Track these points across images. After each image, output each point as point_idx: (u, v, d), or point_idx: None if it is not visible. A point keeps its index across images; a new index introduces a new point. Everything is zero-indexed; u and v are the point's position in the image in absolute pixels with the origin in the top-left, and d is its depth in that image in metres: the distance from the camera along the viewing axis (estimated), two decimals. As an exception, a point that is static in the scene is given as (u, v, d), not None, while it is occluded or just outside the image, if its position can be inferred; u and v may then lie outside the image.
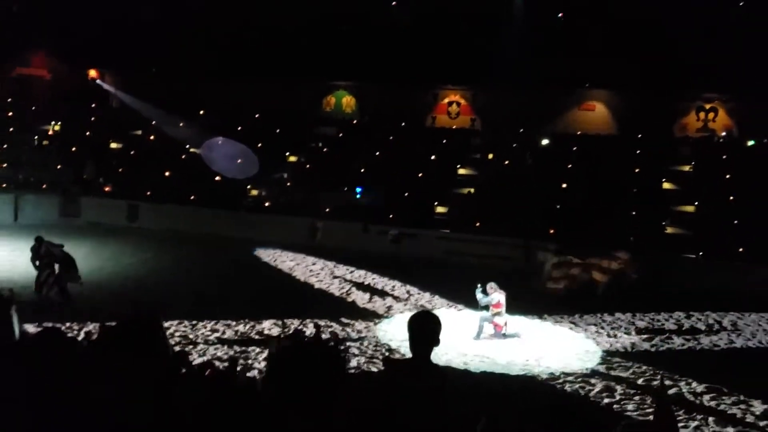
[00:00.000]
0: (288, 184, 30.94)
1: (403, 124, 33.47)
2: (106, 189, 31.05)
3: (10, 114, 34.51)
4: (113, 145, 34.30)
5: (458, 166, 30.77)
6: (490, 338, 15.89)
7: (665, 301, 19.70)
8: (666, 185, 28.10)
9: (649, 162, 28.39)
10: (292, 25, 33.45)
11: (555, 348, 15.61)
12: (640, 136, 30.02)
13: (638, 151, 29.27)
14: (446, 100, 35.10)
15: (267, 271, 22.78)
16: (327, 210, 28.30)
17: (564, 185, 28.01)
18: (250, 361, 13.24)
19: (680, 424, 11.25)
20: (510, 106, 31.98)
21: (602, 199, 26.14)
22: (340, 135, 33.91)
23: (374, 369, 13.44)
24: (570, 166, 29.30)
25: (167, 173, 31.39)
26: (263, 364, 12.87)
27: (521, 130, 31.55)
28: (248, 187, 30.48)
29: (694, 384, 13.39)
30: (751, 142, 29.57)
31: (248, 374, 11.92)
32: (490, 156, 31.05)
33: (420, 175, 29.80)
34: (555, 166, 29.34)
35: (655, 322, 18.33)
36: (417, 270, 22.66)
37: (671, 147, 29.86)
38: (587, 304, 19.22)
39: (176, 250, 24.61)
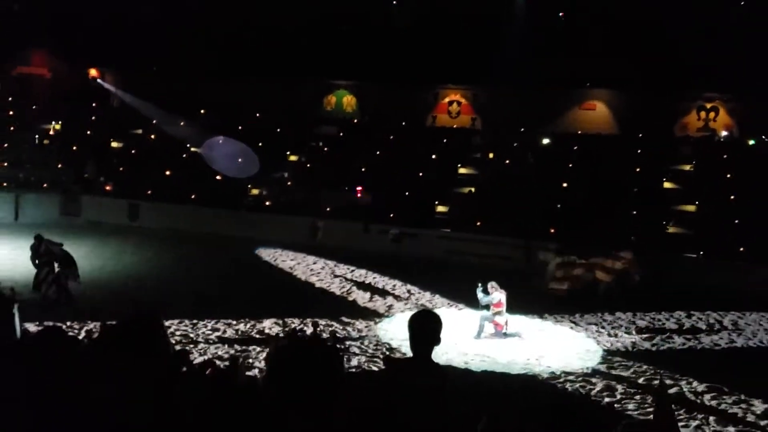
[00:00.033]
0: (289, 183, 30.95)
1: (404, 123, 33.48)
2: (107, 188, 31.07)
3: (11, 113, 34.54)
4: (114, 144, 34.31)
5: (459, 165, 30.77)
6: (490, 337, 15.88)
7: (666, 300, 19.70)
8: (667, 185, 28.10)
9: (649, 161, 28.39)
10: (292, 25, 33.47)
11: (556, 347, 15.61)
12: (640, 135, 30.03)
13: (639, 151, 29.27)
14: (447, 100, 35.10)
15: (267, 270, 22.78)
16: (328, 209, 28.31)
17: (565, 185, 28.00)
18: (250, 360, 13.24)
19: (681, 424, 11.25)
20: (511, 105, 32.00)
21: (603, 198, 26.14)
22: (341, 134, 33.92)
23: (375, 368, 13.44)
24: (571, 165, 29.30)
25: (168, 172, 31.40)
26: (264, 363, 12.86)
27: (522, 130, 31.55)
28: (249, 186, 30.49)
29: (694, 383, 13.38)
30: (751, 142, 29.57)
31: (249, 373, 11.92)
32: (491, 155, 31.05)
33: (420, 174, 29.80)
34: (556, 165, 29.34)
35: (655, 321, 18.33)
36: (417, 269, 22.66)
37: (672, 146, 29.85)
38: (588, 304, 19.22)
39: (177, 249, 24.62)
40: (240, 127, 32.82)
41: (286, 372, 3.87)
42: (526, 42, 30.24)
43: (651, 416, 8.77)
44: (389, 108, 33.37)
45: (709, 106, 31.45)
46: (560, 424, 11.09)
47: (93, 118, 35.54)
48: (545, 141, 31.63)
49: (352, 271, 22.69)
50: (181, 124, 33.65)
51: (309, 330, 15.12)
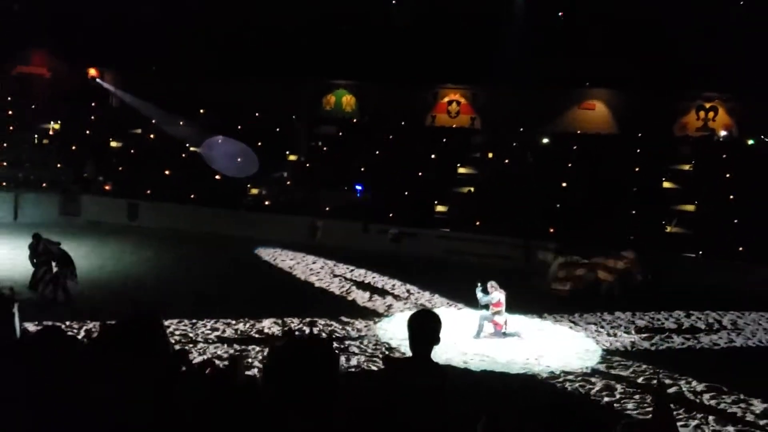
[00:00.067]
0: (288, 183, 30.95)
1: (403, 123, 33.48)
2: (106, 188, 31.06)
3: (10, 113, 34.52)
4: (113, 144, 34.30)
5: (458, 165, 30.77)
6: (490, 337, 15.89)
7: (665, 300, 19.71)
8: (666, 184, 28.10)
9: (649, 161, 28.40)
10: (292, 25, 33.46)
11: (555, 347, 15.62)
12: (640, 135, 30.04)
13: (638, 151, 29.28)
14: (446, 99, 35.10)
15: (267, 270, 22.79)
16: (327, 209, 28.31)
17: (564, 184, 28.01)
18: (250, 360, 13.24)
19: (680, 423, 11.26)
20: (510, 105, 32.01)
21: (602, 198, 26.15)
22: (340, 134, 33.92)
23: (374, 368, 13.45)
24: (570, 165, 29.31)
25: (167, 172, 31.39)
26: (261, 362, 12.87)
27: (521, 129, 31.55)
28: (248, 185, 30.49)
29: (694, 383, 13.39)
30: (750, 141, 29.58)
31: (248, 373, 11.92)
32: (490, 155, 31.06)
33: (420, 174, 29.80)
34: (555, 165, 29.35)
35: (655, 321, 18.34)
36: (417, 269, 22.66)
37: (671, 146, 29.86)
38: (587, 303, 19.23)
39: (176, 249, 24.62)
40: (239, 127, 32.82)
41: (282, 371, 3.88)
42: (526, 41, 30.25)
43: (650, 416, 8.79)
44: (388, 108, 33.37)
45: (708, 105, 31.47)
46: (559, 423, 11.09)
47: (92, 117, 35.52)
48: (545, 140, 31.64)
49: (352, 270, 22.69)
50: (181, 123, 33.65)
51: (306, 330, 15.13)
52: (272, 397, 3.94)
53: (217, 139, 31.69)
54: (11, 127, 33.47)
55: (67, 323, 14.49)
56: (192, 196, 29.54)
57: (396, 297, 19.66)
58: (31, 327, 11.30)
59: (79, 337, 12.85)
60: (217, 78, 34.77)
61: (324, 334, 15.09)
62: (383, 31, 32.64)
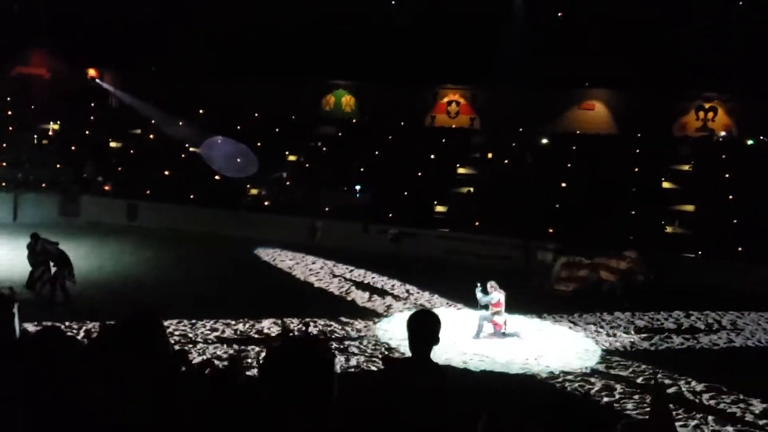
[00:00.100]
0: (287, 183, 30.95)
1: (403, 123, 33.48)
2: (106, 188, 31.06)
3: (10, 113, 34.52)
4: (113, 145, 34.30)
5: (458, 165, 30.78)
6: (489, 337, 15.89)
7: (665, 300, 19.71)
8: (665, 185, 28.11)
9: (648, 161, 28.40)
10: (292, 25, 33.46)
11: (554, 347, 15.62)
12: (639, 135, 30.05)
13: (638, 151, 29.28)
14: (446, 100, 35.12)
15: (266, 271, 22.79)
16: (326, 209, 28.31)
17: (563, 185, 28.02)
18: (249, 360, 13.24)
19: (680, 423, 11.27)
20: (509, 105, 32.02)
21: (602, 198, 26.15)
22: (340, 134, 33.92)
23: (374, 368, 13.45)
24: (569, 165, 29.31)
25: (167, 172, 31.39)
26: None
27: (521, 130, 31.56)
28: (248, 186, 30.49)
29: (693, 383, 13.40)
30: (750, 142, 29.60)
31: (248, 373, 11.92)
32: (490, 155, 31.06)
33: (419, 174, 29.80)
34: (554, 165, 29.35)
35: (654, 321, 18.35)
36: (416, 269, 22.65)
37: (671, 146, 29.87)
38: (587, 303, 19.23)
39: (176, 250, 24.61)
40: (239, 127, 32.82)
41: (276, 372, 3.88)
42: (525, 42, 30.26)
43: (648, 416, 8.79)
44: (388, 108, 33.38)
45: (707, 106, 31.49)
46: (559, 423, 11.10)
47: (92, 118, 35.52)
48: (544, 141, 31.65)
49: (351, 270, 22.69)
50: (180, 124, 33.65)
51: (303, 330, 15.13)
52: (267, 397, 3.94)
53: (216, 140, 31.69)
54: (11, 128, 33.47)
55: (67, 323, 14.49)
56: (191, 197, 29.54)
57: (395, 297, 19.66)
58: (30, 327, 11.30)
59: (79, 337, 12.86)
60: (216, 78, 34.79)
61: (317, 333, 15.07)
62: (383, 32, 32.65)
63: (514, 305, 16.65)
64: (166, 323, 14.02)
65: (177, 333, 14.83)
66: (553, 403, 11.85)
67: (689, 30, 27.57)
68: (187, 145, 32.74)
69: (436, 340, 4.54)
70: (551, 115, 32.60)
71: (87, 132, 34.48)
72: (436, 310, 9.45)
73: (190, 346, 13.99)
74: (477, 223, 26.26)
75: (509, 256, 24.42)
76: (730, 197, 26.07)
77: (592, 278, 20.77)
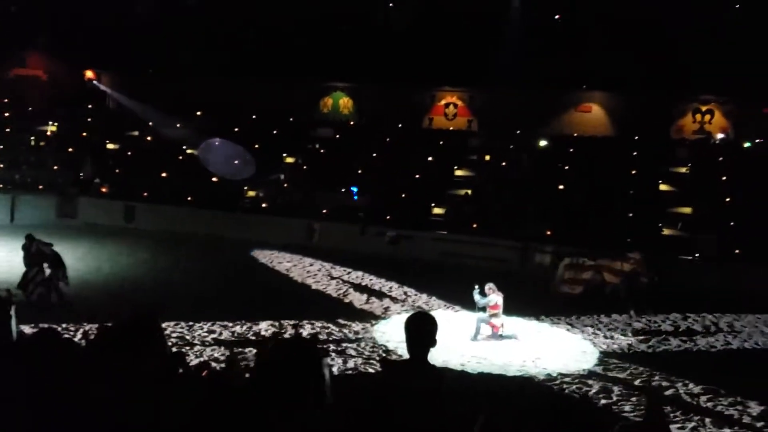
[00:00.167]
0: (285, 185, 30.94)
1: (400, 125, 33.49)
2: (103, 190, 31.03)
3: (7, 114, 34.48)
4: (110, 146, 34.28)
5: (455, 167, 30.79)
6: (487, 339, 15.88)
7: (662, 302, 19.71)
8: (663, 187, 28.15)
9: (645, 164, 28.45)
10: (291, 25, 33.47)
11: (552, 349, 15.61)
12: (636, 137, 30.09)
13: (635, 153, 29.32)
14: (443, 102, 35.14)
15: (264, 272, 22.77)
16: (324, 211, 28.31)
17: (561, 187, 28.05)
18: (247, 362, 13.20)
19: (677, 426, 11.27)
20: (507, 107, 32.05)
21: (599, 200, 26.18)
22: (337, 136, 33.92)
23: (371, 370, 13.44)
24: (567, 167, 29.34)
25: (164, 174, 31.36)
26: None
27: (518, 132, 31.58)
28: (245, 188, 30.47)
29: (690, 385, 13.40)
30: (747, 144, 29.65)
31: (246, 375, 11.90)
32: (487, 157, 31.09)
33: (417, 176, 29.81)
34: (552, 167, 29.38)
35: (651, 323, 18.36)
36: (414, 271, 22.67)
37: (668, 149, 29.93)
38: (585, 306, 19.24)
39: (173, 251, 24.59)
40: (236, 129, 32.81)
41: (266, 374, 3.88)
42: (522, 44, 30.31)
43: (642, 418, 8.79)
44: (386, 110, 33.39)
45: (704, 108, 31.55)
46: (557, 425, 11.11)
47: (89, 119, 35.50)
48: (542, 143, 31.68)
49: (349, 272, 22.68)
50: (178, 125, 33.63)
51: (306, 332, 15.13)
52: (257, 399, 3.94)
53: (213, 141, 31.68)
54: (8, 129, 33.44)
55: (64, 325, 14.45)
56: (189, 198, 29.52)
57: (393, 299, 19.65)
58: (27, 329, 11.28)
59: (76, 339, 12.83)
60: (214, 79, 34.77)
61: (308, 335, 15.05)
62: (380, 34, 32.68)
63: (511, 307, 16.64)
64: (163, 325, 14.01)
65: (174, 335, 14.80)
66: (550, 406, 11.87)
67: (686, 32, 27.65)
68: (184, 147, 32.73)
69: (433, 342, 4.54)
70: (548, 117, 32.65)
71: (84, 134, 34.45)
72: (433, 312, 9.45)
73: (188, 348, 13.96)
74: (474, 226, 26.27)
75: (507, 259, 24.44)
76: (727, 199, 26.12)
77: (596, 280, 20.74)
